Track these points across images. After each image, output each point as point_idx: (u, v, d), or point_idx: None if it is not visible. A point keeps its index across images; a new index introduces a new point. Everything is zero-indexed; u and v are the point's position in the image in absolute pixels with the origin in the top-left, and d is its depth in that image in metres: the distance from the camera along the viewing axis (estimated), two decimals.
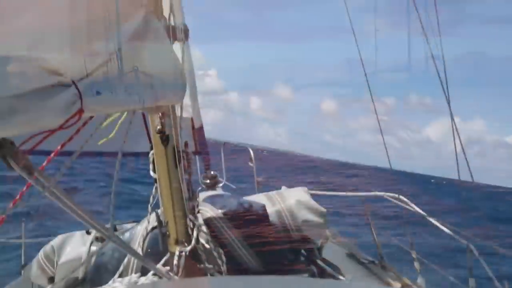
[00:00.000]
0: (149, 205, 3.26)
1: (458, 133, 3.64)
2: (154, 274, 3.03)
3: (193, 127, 4.94)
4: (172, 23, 2.83)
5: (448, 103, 3.66)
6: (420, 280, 4.32)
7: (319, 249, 4.03)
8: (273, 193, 4.13)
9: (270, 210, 3.81)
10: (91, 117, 1.69)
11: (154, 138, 3.01)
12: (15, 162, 1.27)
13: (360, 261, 4.78)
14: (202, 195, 3.90)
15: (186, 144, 3.23)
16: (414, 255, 4.52)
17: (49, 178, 1.47)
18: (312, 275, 3.72)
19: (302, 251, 3.93)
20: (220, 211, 3.57)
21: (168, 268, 3.06)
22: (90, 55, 1.52)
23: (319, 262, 3.93)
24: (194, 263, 3.13)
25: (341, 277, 3.85)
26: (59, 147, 1.69)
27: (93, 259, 3.54)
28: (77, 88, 1.27)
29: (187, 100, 4.48)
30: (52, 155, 1.73)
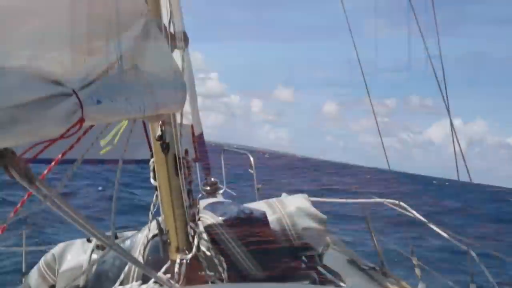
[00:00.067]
0: (149, 213, 3.26)
1: (455, 134, 3.65)
2: (155, 282, 3.03)
3: (193, 134, 4.95)
4: (172, 31, 2.85)
5: (447, 103, 3.67)
6: (421, 286, 4.32)
7: (320, 256, 4.02)
8: (273, 200, 4.13)
9: (270, 217, 3.81)
10: (91, 126, 1.69)
11: (155, 146, 3.02)
12: (17, 172, 1.27)
13: (361, 267, 4.78)
14: (203, 202, 3.91)
15: (186, 152, 3.23)
16: (415, 261, 4.52)
17: (50, 188, 1.48)
18: (313, 282, 3.71)
19: (303, 258, 3.93)
20: (220, 218, 3.57)
21: (169, 276, 3.06)
22: (90, 64, 1.53)
23: (320, 269, 3.93)
24: (195, 271, 3.13)
25: (342, 284, 3.85)
26: (60, 156, 1.70)
27: (94, 267, 3.54)
28: (77, 97, 1.28)
29: (187, 107, 4.49)
30: (53, 163, 1.74)
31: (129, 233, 3.95)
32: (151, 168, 3.14)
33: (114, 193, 2.55)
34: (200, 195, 4.93)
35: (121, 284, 3.42)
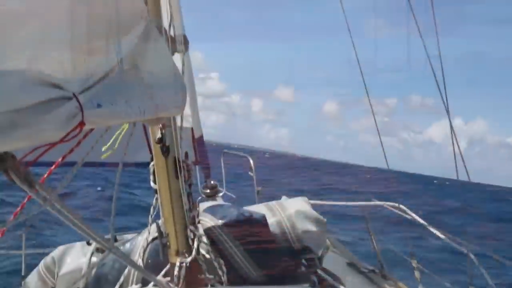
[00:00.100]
0: (149, 216, 3.26)
1: (455, 136, 3.66)
2: (155, 285, 3.02)
3: (193, 137, 4.95)
4: (172, 34, 2.85)
5: (446, 104, 3.68)
6: None
7: (320, 258, 4.02)
8: (273, 203, 4.13)
9: (270, 220, 3.81)
10: (91, 129, 1.69)
11: (155, 149, 3.02)
12: (17, 176, 1.27)
13: (360, 270, 4.77)
14: (202, 205, 3.90)
15: (186, 155, 3.23)
16: (414, 264, 4.52)
17: (50, 191, 1.47)
18: (313, 285, 3.71)
19: (303, 260, 3.93)
20: (220, 221, 3.57)
21: (168, 279, 3.05)
22: (90, 67, 1.53)
23: (320, 271, 3.93)
24: (194, 274, 3.13)
25: (341, 287, 3.85)
26: (60, 159, 1.70)
27: (94, 270, 3.54)
28: (78, 101, 1.28)
29: (187, 110, 4.49)
30: (53, 167, 1.73)
31: (129, 236, 3.95)
32: (151, 171, 3.14)
33: (114, 197, 2.55)
34: (199, 197, 4.93)
35: (120, 287, 3.42)
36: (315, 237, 3.90)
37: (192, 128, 4.91)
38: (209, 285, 3.20)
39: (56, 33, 1.56)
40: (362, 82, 4.25)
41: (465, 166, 3.66)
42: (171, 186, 3.04)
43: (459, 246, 4.02)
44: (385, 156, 4.42)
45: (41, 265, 3.78)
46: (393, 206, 4.83)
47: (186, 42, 2.92)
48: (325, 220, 4.03)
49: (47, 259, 3.78)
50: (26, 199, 1.62)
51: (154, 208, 3.28)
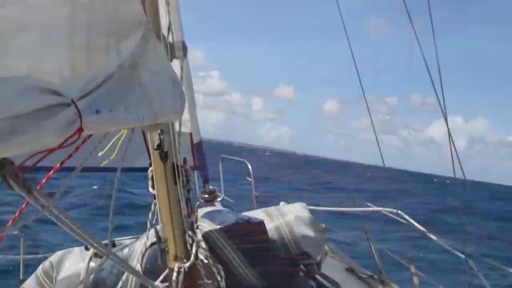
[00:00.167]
0: (148, 221, 3.27)
1: (452, 137, 3.68)
2: None
3: (191, 143, 4.97)
4: (171, 41, 2.86)
5: (443, 104, 3.70)
6: None
7: (318, 264, 4.03)
8: (271, 209, 4.14)
9: (268, 225, 3.81)
10: (90, 135, 1.70)
11: (153, 155, 3.02)
12: (15, 182, 1.28)
13: (359, 276, 4.78)
14: (201, 211, 3.91)
15: (184, 160, 3.24)
16: (413, 269, 4.52)
17: (48, 198, 1.48)
18: None
19: (301, 266, 3.93)
20: (218, 227, 3.57)
21: (167, 284, 3.05)
22: (89, 74, 1.54)
23: (318, 277, 3.93)
24: (193, 279, 3.13)
25: None
26: (58, 165, 1.70)
27: (92, 275, 3.54)
28: (76, 107, 1.28)
29: (185, 116, 4.50)
30: (51, 172, 1.74)
31: (127, 241, 3.95)
32: (150, 176, 3.15)
33: (112, 201, 2.55)
34: (198, 202, 4.94)
35: None
36: (314, 243, 3.91)
37: (190, 133, 4.93)
38: None
39: (55, 40, 1.57)
40: (363, 80, 4.30)
41: (460, 165, 3.68)
42: (170, 191, 3.04)
43: (458, 253, 4.02)
44: (381, 155, 4.44)
45: (39, 270, 3.78)
46: (391, 212, 4.84)
47: (184, 48, 2.93)
48: (323, 225, 4.04)
49: (45, 264, 3.78)
50: (24, 205, 1.62)
51: (153, 213, 3.29)
